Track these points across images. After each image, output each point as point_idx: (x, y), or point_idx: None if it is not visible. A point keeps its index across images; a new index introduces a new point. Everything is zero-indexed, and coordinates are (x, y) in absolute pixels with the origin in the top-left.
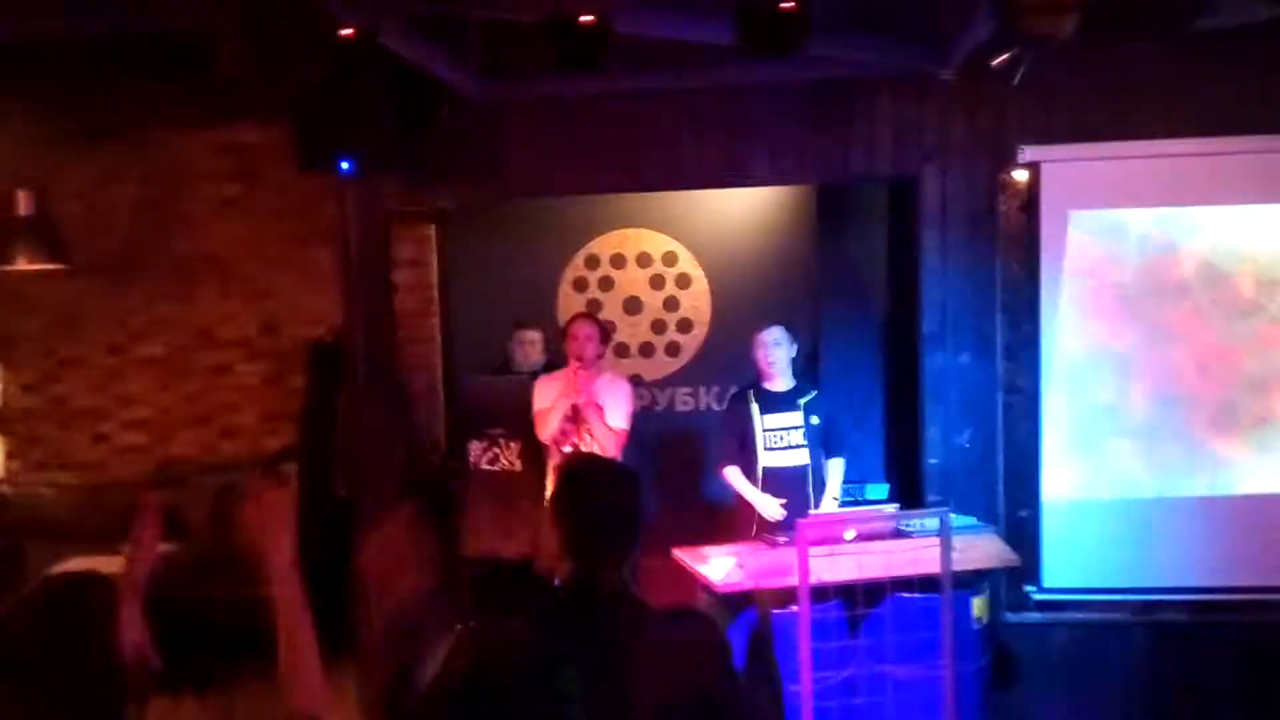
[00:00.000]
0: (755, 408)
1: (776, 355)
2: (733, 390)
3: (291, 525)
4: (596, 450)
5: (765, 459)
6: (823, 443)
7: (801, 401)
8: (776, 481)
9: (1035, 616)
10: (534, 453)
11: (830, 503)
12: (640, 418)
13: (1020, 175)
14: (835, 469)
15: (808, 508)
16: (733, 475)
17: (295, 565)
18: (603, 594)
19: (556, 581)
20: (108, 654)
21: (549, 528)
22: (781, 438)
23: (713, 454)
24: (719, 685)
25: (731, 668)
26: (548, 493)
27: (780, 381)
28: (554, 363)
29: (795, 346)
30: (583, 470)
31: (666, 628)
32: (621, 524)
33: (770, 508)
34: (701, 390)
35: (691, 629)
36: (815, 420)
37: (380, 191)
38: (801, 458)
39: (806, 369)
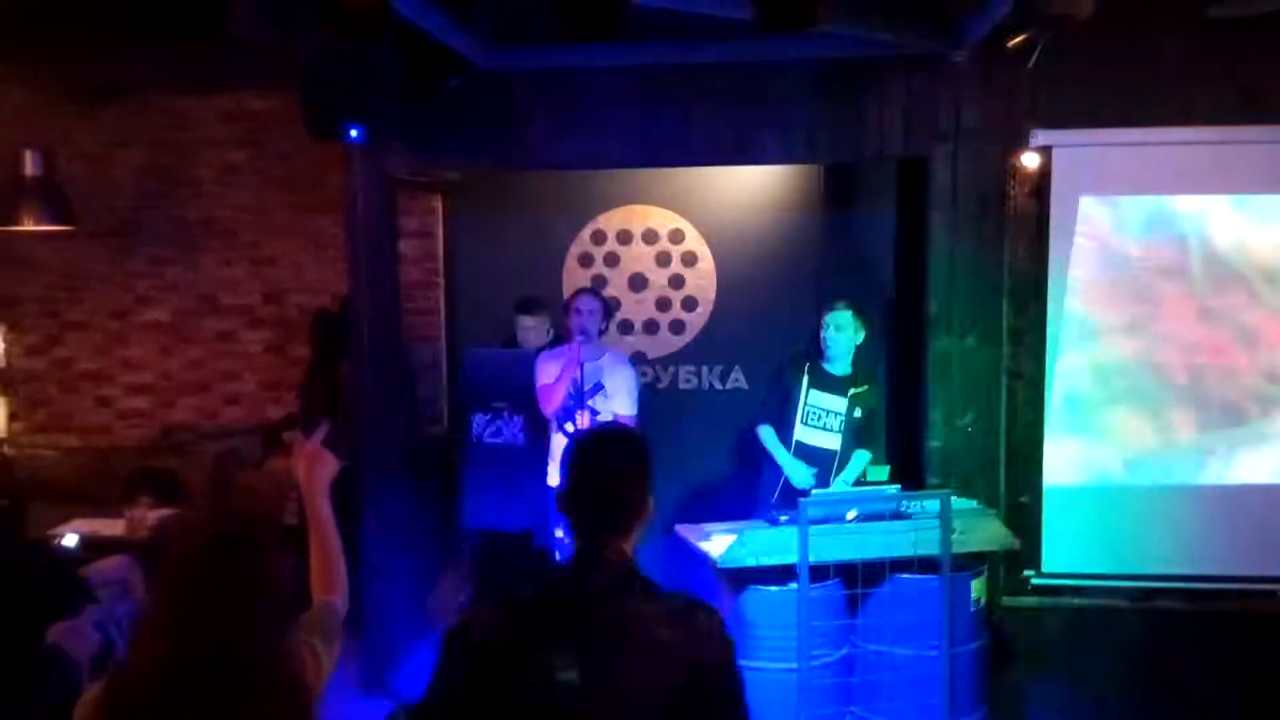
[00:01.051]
0: (807, 380)
1: (835, 339)
2: (792, 353)
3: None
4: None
5: (799, 432)
6: (856, 436)
7: (851, 391)
8: (806, 457)
9: (1033, 601)
10: (536, 427)
11: (840, 485)
12: (642, 395)
13: (1031, 159)
14: (859, 459)
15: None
16: (767, 435)
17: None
18: (607, 569)
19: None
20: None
21: (558, 506)
22: (820, 417)
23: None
24: (715, 674)
25: (732, 660)
26: (550, 468)
27: (838, 364)
28: (559, 336)
29: (863, 334)
30: (588, 442)
31: (669, 611)
32: (624, 493)
33: (801, 475)
34: (704, 369)
35: (695, 615)
36: (859, 413)
37: (387, 161)
38: (834, 442)
39: (864, 359)
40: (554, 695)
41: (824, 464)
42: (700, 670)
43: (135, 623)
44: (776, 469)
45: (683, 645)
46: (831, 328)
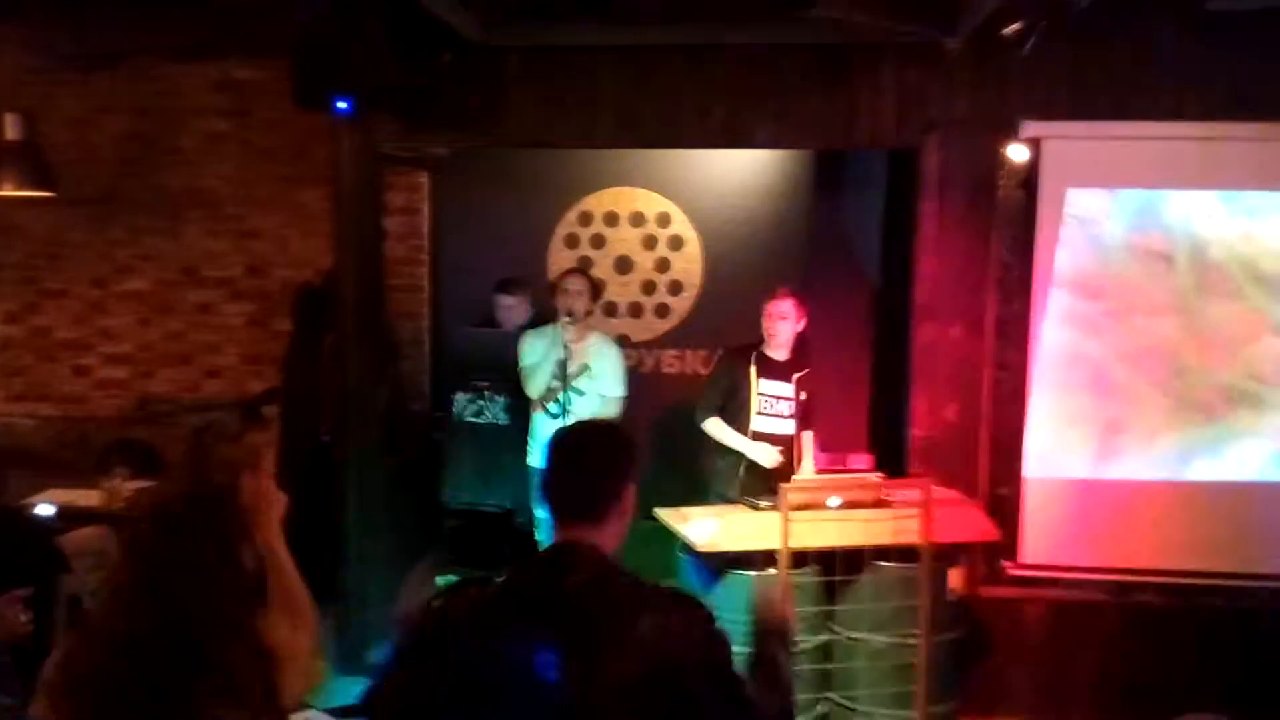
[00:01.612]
0: (753, 370)
1: (780, 329)
2: (730, 346)
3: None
4: (585, 408)
5: (756, 422)
6: (803, 417)
7: (795, 375)
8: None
9: (1010, 592)
10: (519, 407)
11: (808, 468)
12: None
13: (1020, 150)
14: (808, 440)
15: (789, 473)
16: (716, 426)
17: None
18: (581, 562)
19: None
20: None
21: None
22: (772, 405)
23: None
24: (695, 672)
25: (716, 659)
26: (532, 448)
27: (781, 351)
28: (541, 317)
29: (804, 322)
30: (568, 434)
31: (646, 606)
32: (600, 486)
33: (766, 455)
34: (689, 353)
35: (678, 611)
36: (804, 396)
37: (375, 135)
38: (787, 426)
39: (800, 341)
40: (523, 687)
41: (783, 447)
42: (677, 668)
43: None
44: (729, 459)
45: (657, 642)
46: (776, 318)
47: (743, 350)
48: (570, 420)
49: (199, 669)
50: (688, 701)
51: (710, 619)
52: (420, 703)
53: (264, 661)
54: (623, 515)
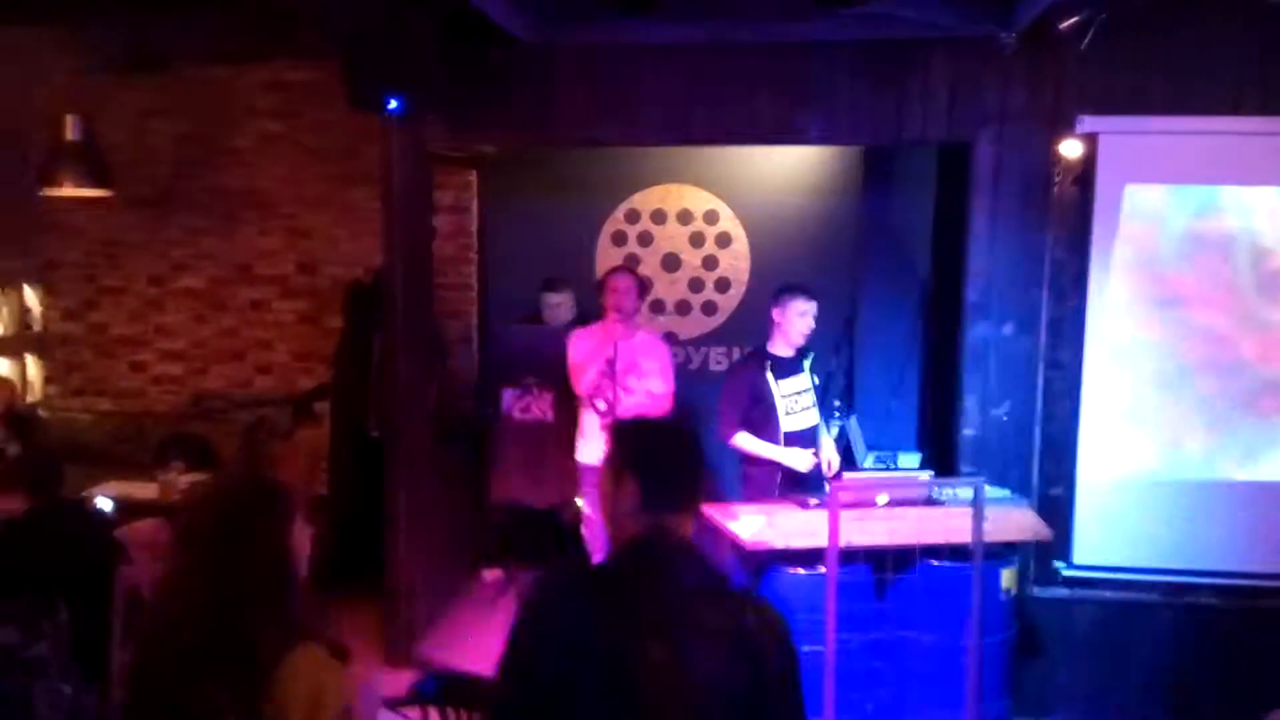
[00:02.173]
0: (771, 376)
1: (810, 326)
2: (738, 358)
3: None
4: (634, 404)
5: (786, 424)
6: (821, 399)
7: (806, 363)
8: (799, 443)
9: (1063, 592)
10: (566, 404)
11: (829, 448)
12: (674, 376)
13: (1076, 145)
14: (856, 428)
15: (819, 465)
16: (745, 440)
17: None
18: (674, 547)
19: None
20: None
21: (610, 486)
22: (797, 401)
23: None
24: (773, 670)
25: (795, 666)
26: (578, 445)
27: (788, 348)
28: (587, 315)
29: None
30: (652, 426)
31: (732, 599)
32: (696, 476)
33: (801, 460)
34: (736, 350)
35: (760, 609)
36: (816, 380)
37: (424, 134)
38: (813, 418)
39: (845, 334)
40: (626, 672)
41: (813, 442)
42: (762, 669)
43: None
44: (766, 470)
45: (751, 641)
46: (811, 314)
47: (753, 359)
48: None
49: (227, 662)
50: (762, 696)
51: (786, 624)
52: (524, 688)
53: (260, 666)
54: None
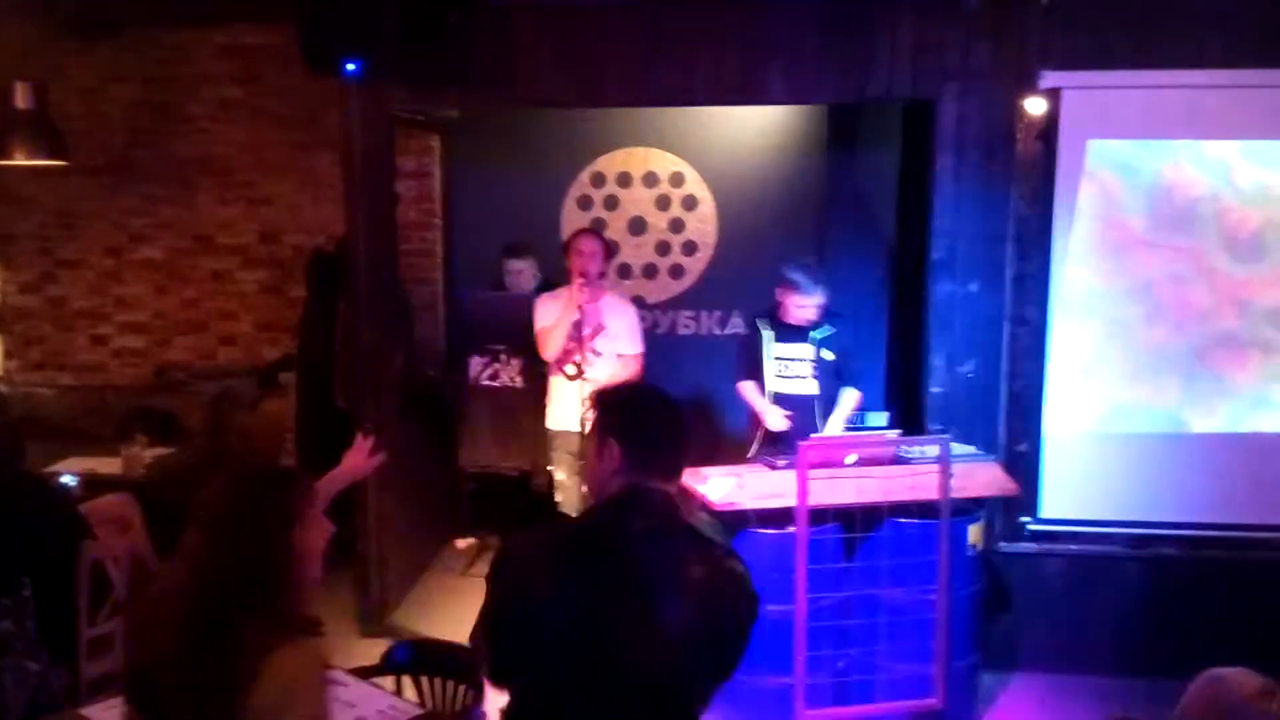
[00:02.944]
0: (769, 335)
1: (811, 316)
2: (751, 314)
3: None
4: (602, 369)
5: (773, 384)
6: (836, 375)
7: (814, 335)
8: (784, 406)
9: (1030, 547)
10: (534, 370)
11: (835, 425)
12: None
13: (1040, 102)
14: (848, 397)
15: (811, 432)
16: (745, 388)
17: None
18: (654, 510)
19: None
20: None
21: (593, 451)
22: (789, 367)
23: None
24: (736, 631)
25: (752, 621)
26: (548, 410)
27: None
28: (551, 282)
29: (827, 293)
30: (636, 392)
31: (709, 560)
32: (682, 441)
33: (774, 418)
34: (704, 314)
35: (733, 570)
36: (828, 355)
37: (385, 98)
38: (809, 387)
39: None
40: (596, 625)
41: (805, 409)
42: (722, 621)
43: (136, 557)
44: (753, 422)
45: (716, 594)
46: (811, 308)
47: (762, 314)
48: (588, 382)
49: (222, 637)
50: (717, 650)
51: (748, 579)
52: (506, 639)
53: (237, 661)
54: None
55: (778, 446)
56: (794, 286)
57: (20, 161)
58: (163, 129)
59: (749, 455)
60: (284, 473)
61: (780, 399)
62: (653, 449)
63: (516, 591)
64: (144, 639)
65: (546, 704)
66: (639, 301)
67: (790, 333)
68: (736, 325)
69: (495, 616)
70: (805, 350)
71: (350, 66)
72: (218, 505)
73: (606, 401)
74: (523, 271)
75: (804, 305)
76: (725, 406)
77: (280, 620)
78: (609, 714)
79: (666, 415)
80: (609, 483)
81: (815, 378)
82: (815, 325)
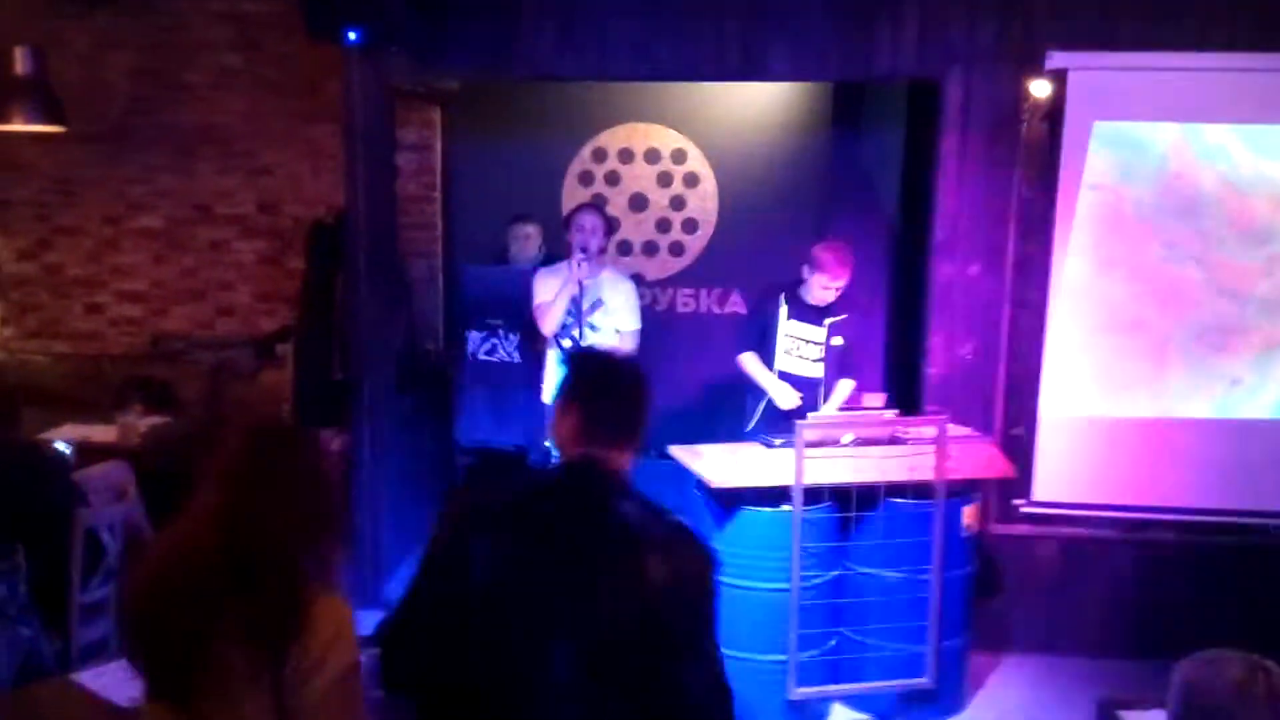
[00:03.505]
0: (784, 310)
1: (830, 296)
2: (769, 282)
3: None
4: (601, 343)
5: (780, 362)
6: (839, 363)
7: (828, 320)
8: (789, 385)
9: (1024, 529)
10: (533, 345)
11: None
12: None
13: (1045, 83)
14: (844, 387)
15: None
16: (749, 360)
17: None
18: (605, 478)
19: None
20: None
21: (558, 414)
22: (799, 347)
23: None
24: (694, 600)
25: (713, 590)
26: (545, 385)
27: (813, 300)
28: (553, 255)
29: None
30: (601, 358)
31: (661, 527)
32: (637, 412)
33: (785, 396)
34: (703, 292)
35: (686, 537)
36: (837, 341)
37: (386, 68)
38: (815, 370)
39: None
40: (534, 595)
41: (809, 391)
42: (680, 590)
43: (130, 525)
44: (758, 397)
45: (670, 562)
46: (834, 290)
47: (778, 288)
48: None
49: (234, 605)
50: (668, 634)
51: (712, 561)
52: (447, 612)
53: (288, 610)
54: (640, 445)
55: (777, 424)
56: (822, 266)
57: (19, 127)
58: (161, 97)
59: (747, 428)
60: (296, 427)
61: (784, 378)
62: (605, 417)
63: (454, 558)
64: (166, 602)
65: (495, 683)
66: (638, 279)
67: (806, 312)
68: (736, 304)
69: (428, 577)
70: (818, 333)
71: (352, 35)
72: (240, 461)
73: (572, 364)
74: (530, 238)
75: (829, 287)
76: (723, 384)
77: (321, 570)
78: (569, 685)
79: (623, 384)
80: (566, 448)
81: (821, 360)
82: (831, 309)
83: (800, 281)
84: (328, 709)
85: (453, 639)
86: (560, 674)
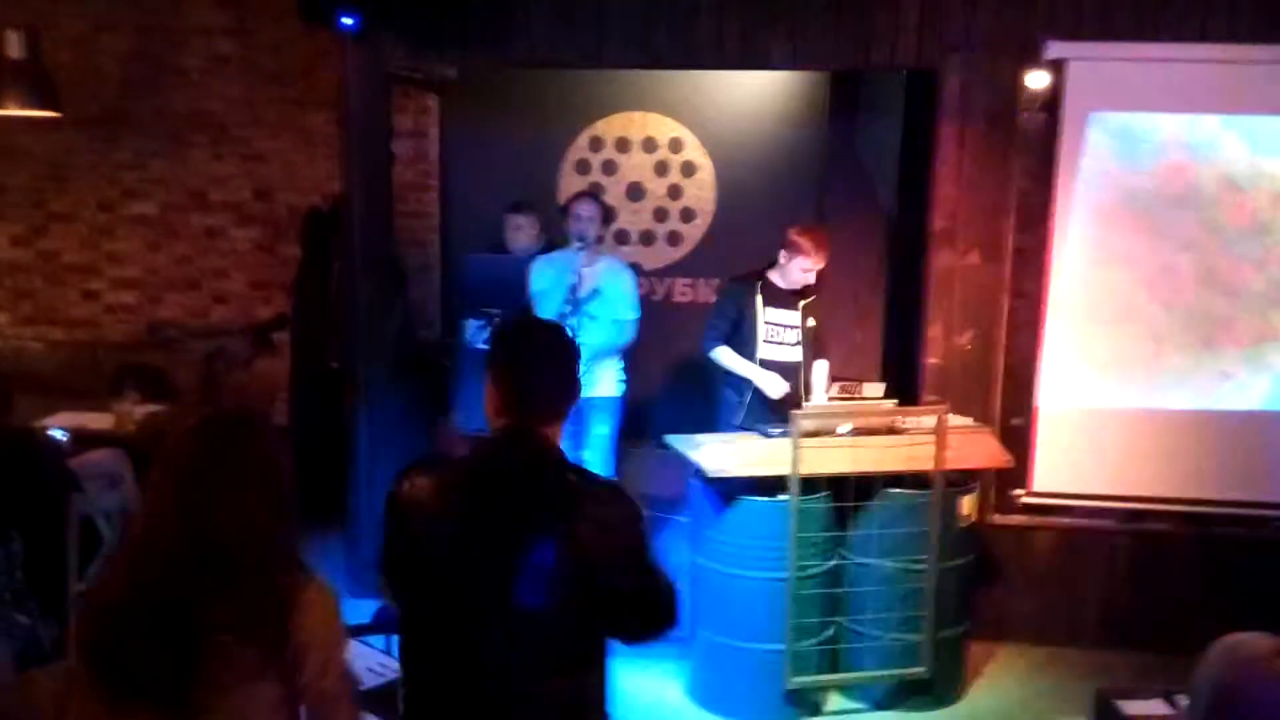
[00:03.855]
0: (760, 299)
1: (812, 279)
2: (736, 275)
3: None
4: (598, 333)
5: (763, 351)
6: (813, 344)
7: (802, 303)
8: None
9: (1021, 519)
10: None
11: (820, 396)
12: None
13: (1043, 73)
14: (820, 368)
15: (798, 401)
16: (725, 354)
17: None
18: (538, 447)
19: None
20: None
21: (488, 385)
22: (778, 333)
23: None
24: (621, 559)
25: (644, 544)
26: None
27: (786, 284)
28: (551, 243)
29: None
30: (527, 327)
31: (594, 493)
32: (560, 378)
33: (774, 384)
34: (701, 282)
35: (618, 505)
36: (811, 322)
37: (382, 55)
38: (794, 355)
39: None
40: (477, 561)
41: (793, 377)
42: (611, 555)
43: (126, 512)
44: (736, 389)
45: (603, 511)
46: (813, 274)
47: (749, 278)
48: (584, 346)
49: (220, 597)
50: (611, 584)
51: (641, 515)
52: (409, 580)
53: (280, 596)
54: (569, 413)
55: (768, 414)
56: (801, 250)
57: (12, 111)
58: (155, 81)
59: (737, 422)
60: (244, 416)
61: (767, 366)
62: (529, 388)
63: (408, 527)
64: (145, 602)
65: (439, 636)
66: (635, 269)
67: (781, 298)
68: None
69: (388, 551)
70: (793, 317)
71: (347, 20)
72: (189, 455)
73: (498, 334)
74: (524, 228)
75: (809, 270)
76: (719, 374)
77: (295, 560)
78: (501, 644)
79: (548, 355)
80: (494, 421)
81: (799, 344)
82: (803, 293)
83: (767, 269)
84: (330, 688)
85: (414, 581)
86: (510, 605)
